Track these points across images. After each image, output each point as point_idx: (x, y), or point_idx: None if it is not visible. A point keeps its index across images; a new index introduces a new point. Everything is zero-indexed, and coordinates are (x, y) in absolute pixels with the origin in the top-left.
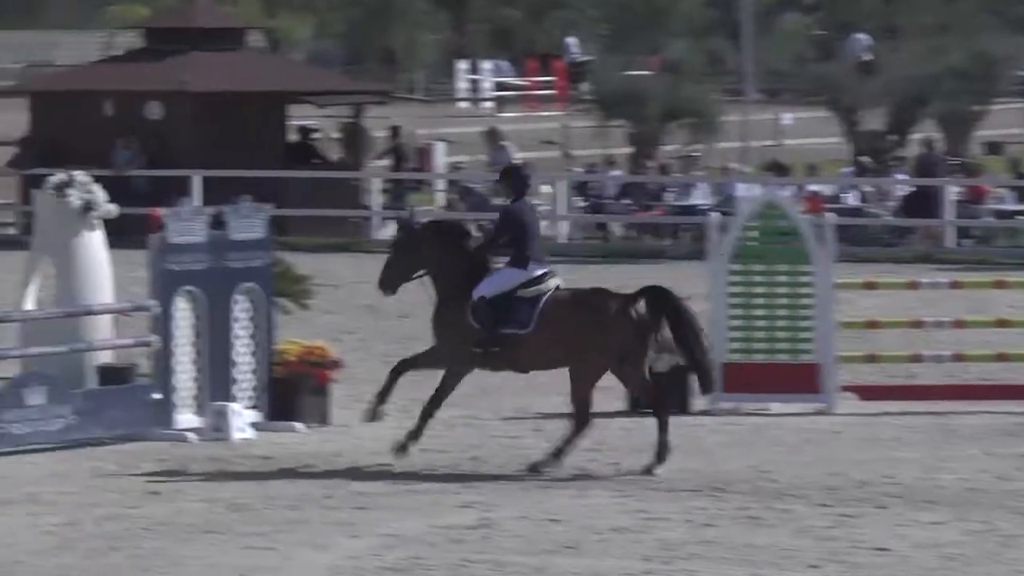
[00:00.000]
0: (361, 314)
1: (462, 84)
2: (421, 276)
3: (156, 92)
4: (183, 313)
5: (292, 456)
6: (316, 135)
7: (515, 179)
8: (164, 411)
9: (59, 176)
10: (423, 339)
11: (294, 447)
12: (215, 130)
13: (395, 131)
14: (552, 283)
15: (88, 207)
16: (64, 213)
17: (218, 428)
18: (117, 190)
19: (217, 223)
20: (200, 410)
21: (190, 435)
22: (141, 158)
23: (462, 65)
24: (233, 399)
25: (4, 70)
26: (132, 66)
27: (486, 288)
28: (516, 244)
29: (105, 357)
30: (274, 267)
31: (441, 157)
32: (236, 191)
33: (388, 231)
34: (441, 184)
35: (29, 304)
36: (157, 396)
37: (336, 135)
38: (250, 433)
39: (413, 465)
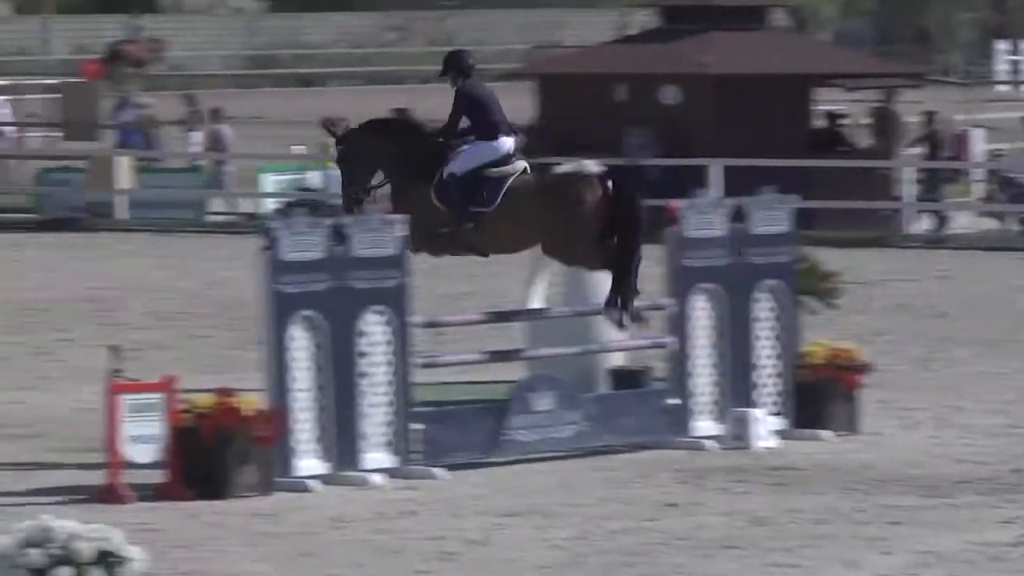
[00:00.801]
0: (893, 314)
1: (1002, 66)
2: (380, 182)
3: (673, 75)
4: (701, 313)
5: (818, 466)
6: (844, 121)
7: (458, 63)
8: (681, 417)
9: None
10: (962, 341)
11: (820, 457)
12: (736, 115)
13: (930, 116)
14: (519, 165)
15: None
16: None
17: (739, 436)
18: (630, 180)
19: (738, 216)
20: (720, 417)
21: (708, 443)
22: (656, 146)
23: (1001, 45)
24: (755, 405)
25: (510, 51)
26: (646, 47)
27: (456, 166)
28: (478, 119)
29: (617, 359)
30: (799, 263)
31: (980, 145)
32: (758, 181)
33: (922, 224)
34: (979, 174)
35: (536, 303)
36: (674, 401)
37: (865, 121)
38: (773, 442)
39: (949, 477)
